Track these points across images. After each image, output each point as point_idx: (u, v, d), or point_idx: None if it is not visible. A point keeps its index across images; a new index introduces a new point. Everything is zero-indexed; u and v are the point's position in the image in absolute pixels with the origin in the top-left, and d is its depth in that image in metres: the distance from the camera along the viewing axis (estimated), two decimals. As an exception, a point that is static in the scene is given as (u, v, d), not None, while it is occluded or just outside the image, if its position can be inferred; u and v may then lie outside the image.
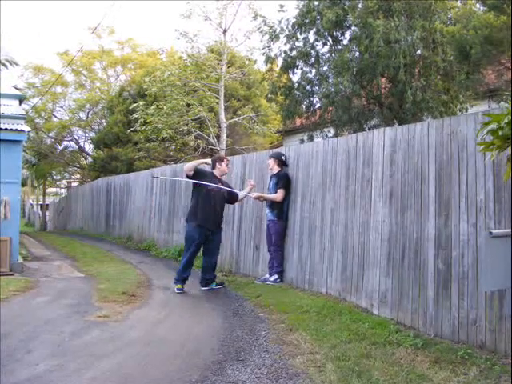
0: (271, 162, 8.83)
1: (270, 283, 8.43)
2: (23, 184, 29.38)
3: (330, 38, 12.77)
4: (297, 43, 13.07)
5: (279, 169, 8.74)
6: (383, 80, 12.32)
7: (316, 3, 12.42)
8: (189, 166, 8.56)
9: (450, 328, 5.17)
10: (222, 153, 17.49)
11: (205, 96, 18.52)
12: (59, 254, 14.36)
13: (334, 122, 12.84)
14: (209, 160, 8.90)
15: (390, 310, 6.05)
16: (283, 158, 8.77)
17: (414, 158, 5.92)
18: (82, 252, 13.92)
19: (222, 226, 8.84)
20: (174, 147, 19.08)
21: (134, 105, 18.52)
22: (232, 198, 8.91)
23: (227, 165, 8.90)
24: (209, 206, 8.38)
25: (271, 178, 8.84)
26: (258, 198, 8.86)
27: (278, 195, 8.55)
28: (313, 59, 12.96)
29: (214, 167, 8.75)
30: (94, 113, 30.85)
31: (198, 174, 8.52)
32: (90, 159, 31.43)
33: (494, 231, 3.91)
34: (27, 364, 4.64)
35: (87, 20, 65.92)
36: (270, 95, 14.61)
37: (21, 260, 11.43)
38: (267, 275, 8.67)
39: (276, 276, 8.50)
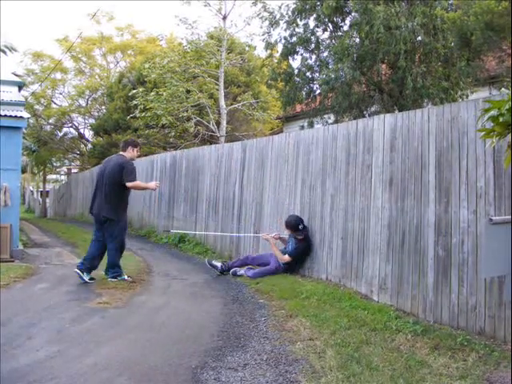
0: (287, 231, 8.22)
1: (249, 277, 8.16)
2: (23, 171, 29.43)
3: (330, 24, 12.70)
4: (297, 29, 13.00)
5: (302, 236, 7.98)
6: (383, 66, 12.26)
7: (316, -11, 12.34)
8: None
9: (449, 314, 5.19)
10: (222, 139, 17.45)
11: (204, 82, 18.46)
12: (59, 240, 14.38)
13: (334, 108, 12.79)
14: None
15: (389, 297, 6.07)
16: (300, 226, 7.96)
17: (414, 145, 5.91)
18: (83, 238, 13.88)
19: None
20: (173, 134, 18.96)
21: (134, 91, 18.45)
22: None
23: (137, 152, 8.23)
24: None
25: (289, 236, 8.20)
26: (268, 239, 8.50)
27: (286, 259, 8.07)
28: (313, 45, 12.90)
29: (125, 150, 8.05)
30: (93, 99, 30.79)
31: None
32: (89, 146, 31.41)
33: (494, 218, 3.90)
34: (28, 350, 4.66)
35: (86, 6, 65.52)
36: (270, 81, 14.55)
37: (21, 246, 11.46)
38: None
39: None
